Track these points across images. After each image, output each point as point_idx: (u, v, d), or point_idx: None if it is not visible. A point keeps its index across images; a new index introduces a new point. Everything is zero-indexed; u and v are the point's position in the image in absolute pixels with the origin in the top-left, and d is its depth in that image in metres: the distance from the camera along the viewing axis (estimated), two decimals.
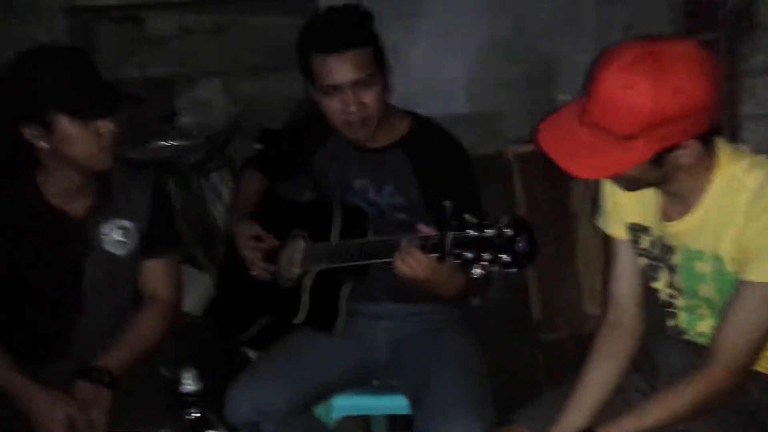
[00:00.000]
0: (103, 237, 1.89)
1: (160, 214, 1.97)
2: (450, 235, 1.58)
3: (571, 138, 1.45)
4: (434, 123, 2.06)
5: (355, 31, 1.86)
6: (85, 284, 1.90)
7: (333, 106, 1.88)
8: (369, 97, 1.87)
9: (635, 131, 1.37)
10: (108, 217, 1.90)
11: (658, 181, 1.51)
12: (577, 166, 1.45)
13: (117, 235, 1.91)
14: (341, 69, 1.83)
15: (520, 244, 1.52)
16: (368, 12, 1.92)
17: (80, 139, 1.74)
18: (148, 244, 1.95)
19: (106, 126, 1.76)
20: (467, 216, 1.57)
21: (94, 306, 1.92)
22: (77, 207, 1.87)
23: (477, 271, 1.53)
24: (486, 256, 1.52)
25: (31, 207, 1.84)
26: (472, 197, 1.97)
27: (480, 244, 1.53)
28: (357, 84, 1.84)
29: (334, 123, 1.94)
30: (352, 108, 1.86)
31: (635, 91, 1.35)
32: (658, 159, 1.42)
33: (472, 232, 1.55)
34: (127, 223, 1.92)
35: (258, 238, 2.08)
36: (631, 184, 1.53)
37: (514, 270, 1.53)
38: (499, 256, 1.52)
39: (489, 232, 1.53)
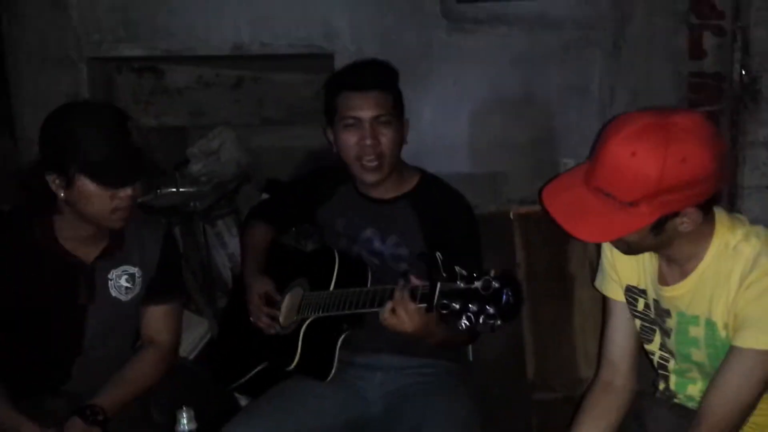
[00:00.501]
0: (110, 282, 1.94)
1: (169, 262, 2.01)
2: (439, 285, 1.61)
3: (575, 201, 1.48)
4: (441, 180, 2.14)
5: (382, 76, 2.02)
6: (88, 327, 1.93)
7: (350, 139, 1.99)
8: (385, 136, 1.98)
9: (639, 198, 1.40)
10: (117, 263, 1.94)
11: (656, 246, 1.53)
12: (580, 230, 1.48)
13: (124, 281, 1.95)
14: (364, 105, 1.97)
15: (506, 297, 1.54)
16: (395, 67, 2.08)
17: (97, 199, 1.79)
18: (154, 291, 1.99)
19: (124, 192, 1.80)
20: (457, 268, 1.60)
21: (94, 347, 1.95)
22: (88, 252, 1.91)
23: (464, 323, 1.56)
24: (472, 307, 1.55)
25: (44, 248, 1.89)
26: (473, 252, 2.01)
27: (467, 296, 1.57)
28: (376, 120, 1.97)
29: (348, 159, 2.02)
30: (368, 141, 1.97)
31: (642, 159, 1.38)
32: (659, 225, 1.45)
33: (461, 284, 1.58)
34: (135, 270, 1.96)
35: (268, 298, 2.12)
36: (631, 248, 1.55)
37: (499, 322, 1.55)
38: (486, 307, 1.54)
39: (477, 284, 1.56)
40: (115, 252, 1.93)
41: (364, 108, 1.97)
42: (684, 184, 1.39)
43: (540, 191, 1.56)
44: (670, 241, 1.51)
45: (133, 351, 2.04)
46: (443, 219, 2.03)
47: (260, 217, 2.33)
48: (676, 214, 1.44)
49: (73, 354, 1.94)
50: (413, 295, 1.71)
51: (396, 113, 2.02)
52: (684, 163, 1.38)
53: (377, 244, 2.07)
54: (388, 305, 1.74)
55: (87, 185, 1.77)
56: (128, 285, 1.95)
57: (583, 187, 1.48)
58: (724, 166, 1.46)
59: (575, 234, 1.48)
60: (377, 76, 2.01)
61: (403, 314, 1.72)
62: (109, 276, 1.93)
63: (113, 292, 1.94)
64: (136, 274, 1.96)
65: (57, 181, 1.79)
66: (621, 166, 1.40)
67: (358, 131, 1.98)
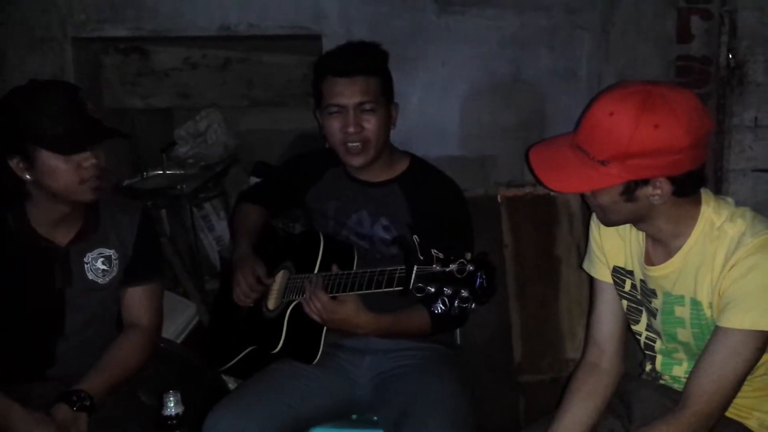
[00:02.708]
0: (86, 265, 1.92)
1: (146, 242, 1.99)
2: (415, 269, 1.62)
3: (555, 156, 1.53)
4: (430, 164, 2.14)
5: (368, 61, 1.99)
6: (67, 311, 1.92)
7: (334, 125, 1.98)
8: (369, 122, 1.97)
9: (609, 157, 1.43)
10: (93, 246, 1.93)
11: (633, 216, 1.55)
12: (550, 179, 1.53)
13: (100, 264, 1.94)
14: (348, 91, 1.96)
15: (479, 280, 1.55)
16: (384, 50, 2.05)
17: (61, 172, 1.78)
18: (132, 273, 1.97)
19: (87, 159, 1.79)
20: (434, 251, 1.62)
21: (75, 331, 1.94)
22: (63, 236, 1.90)
23: (439, 306, 1.57)
24: (447, 291, 1.57)
25: (17, 235, 1.87)
26: (463, 235, 2.02)
27: (442, 279, 1.58)
28: (360, 107, 1.95)
29: (333, 143, 2.02)
30: (351, 129, 1.96)
31: (617, 118, 1.42)
32: (629, 191, 1.48)
33: (436, 267, 1.59)
34: (110, 252, 1.95)
35: (257, 279, 2.10)
36: (607, 215, 1.57)
37: (473, 305, 1.56)
38: (460, 291, 1.56)
39: (452, 267, 1.57)
40: (89, 234, 1.92)
41: (347, 95, 1.96)
42: (653, 151, 1.41)
43: (528, 149, 1.61)
44: (646, 213, 1.52)
45: (118, 333, 2.02)
46: (433, 203, 2.03)
47: (252, 199, 2.33)
48: (646, 182, 1.46)
49: (54, 338, 1.93)
50: (390, 279, 1.74)
51: (382, 99, 2.00)
52: (656, 129, 1.40)
53: (366, 228, 2.07)
54: (305, 298, 1.86)
55: (48, 159, 1.76)
56: (105, 267, 1.94)
57: (566, 145, 1.53)
58: (705, 144, 1.48)
59: (545, 182, 1.53)
60: (362, 62, 1.98)
61: (318, 306, 1.82)
62: (85, 259, 1.92)
63: (90, 275, 1.93)
64: (112, 257, 1.95)
65: (20, 165, 1.78)
66: (598, 124, 1.44)
67: (342, 118, 1.97)
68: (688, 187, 1.50)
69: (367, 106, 1.96)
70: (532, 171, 1.56)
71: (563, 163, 1.51)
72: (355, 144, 1.98)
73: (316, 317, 1.89)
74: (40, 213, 1.87)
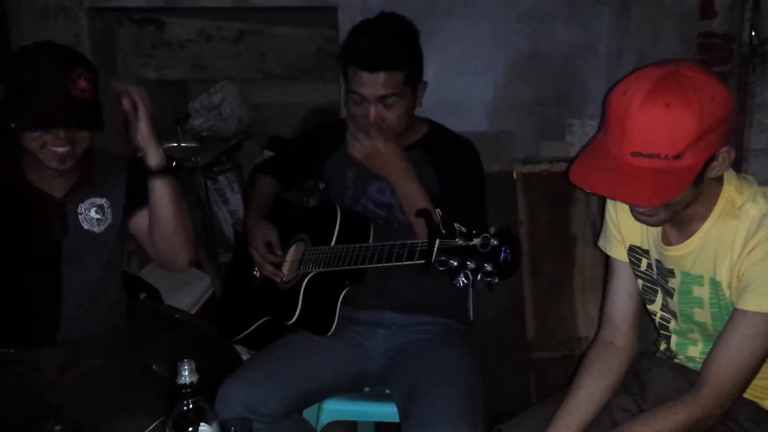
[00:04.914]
0: (80, 216, 1.93)
1: (138, 174, 1.95)
2: (437, 242, 1.61)
3: (612, 172, 1.42)
4: (449, 129, 2.15)
5: (393, 55, 1.94)
6: (64, 261, 1.92)
7: (356, 111, 1.99)
8: (390, 115, 1.96)
9: (684, 147, 1.37)
10: (84, 197, 1.93)
11: (688, 205, 1.48)
12: (635, 197, 1.43)
13: (93, 213, 1.94)
14: (369, 85, 1.93)
15: (504, 255, 1.54)
16: (412, 31, 2.00)
17: (26, 141, 1.78)
18: (135, 198, 1.96)
19: (55, 140, 1.77)
20: (456, 225, 1.60)
21: (75, 287, 1.93)
22: (57, 188, 1.91)
23: (461, 280, 1.56)
24: (470, 264, 1.55)
25: (11, 186, 1.88)
26: (479, 198, 2.02)
27: (465, 253, 1.57)
28: (381, 100, 1.94)
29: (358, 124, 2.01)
30: (372, 119, 1.96)
31: (677, 107, 1.36)
32: (700, 175, 1.42)
33: (459, 241, 1.58)
34: (102, 201, 1.95)
35: (269, 245, 2.11)
36: (670, 210, 1.47)
37: (497, 280, 1.55)
38: (484, 265, 1.54)
39: (475, 241, 1.56)
40: (83, 187, 1.93)
41: (369, 87, 1.93)
42: (720, 121, 1.38)
43: (566, 175, 1.50)
44: (699, 194, 1.47)
45: (124, 295, 2.04)
46: (455, 163, 2.03)
47: (266, 171, 2.32)
48: (712, 159, 1.42)
49: (56, 296, 1.92)
50: (412, 251, 1.72)
51: (407, 88, 1.97)
52: (713, 100, 1.36)
53: (386, 195, 2.06)
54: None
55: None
56: (98, 216, 1.94)
57: (612, 160, 1.42)
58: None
59: (633, 201, 1.43)
60: (386, 57, 1.92)
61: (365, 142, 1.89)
62: (78, 210, 1.92)
63: (86, 225, 1.93)
64: (105, 205, 1.95)
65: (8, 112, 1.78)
66: (658, 121, 1.36)
67: (364, 107, 1.96)
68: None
69: (390, 100, 1.95)
70: (598, 194, 1.47)
71: (631, 174, 1.40)
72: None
73: (363, 144, 1.92)
74: (34, 165, 1.86)
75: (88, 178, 1.93)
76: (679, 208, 1.49)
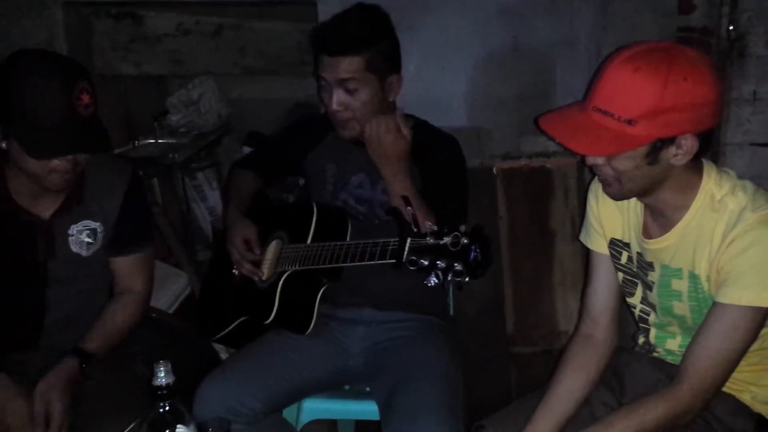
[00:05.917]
0: (70, 238, 1.88)
1: (133, 211, 1.93)
2: (408, 241, 1.60)
3: (573, 122, 1.47)
4: (432, 125, 2.15)
5: (352, 39, 1.94)
6: (50, 283, 1.89)
7: (324, 96, 2.01)
8: (352, 102, 1.96)
9: (638, 115, 1.38)
10: (77, 218, 1.88)
11: (648, 184, 1.50)
12: (577, 144, 1.46)
13: (85, 237, 1.89)
14: (329, 68, 1.95)
15: (474, 254, 1.53)
16: (379, 19, 2.00)
17: (29, 163, 1.70)
18: (120, 243, 1.93)
19: (64, 165, 1.70)
20: (428, 224, 1.61)
21: (59, 303, 1.91)
22: (44, 208, 1.84)
23: (432, 279, 1.56)
24: (441, 264, 1.55)
25: None
26: (460, 195, 2.02)
27: (436, 252, 1.56)
28: (341, 84, 1.94)
29: (327, 112, 2.03)
30: (333, 106, 1.96)
31: (644, 73, 1.37)
32: (655, 152, 1.43)
33: (430, 240, 1.57)
34: (96, 225, 1.90)
35: (248, 243, 2.09)
36: (624, 183, 1.49)
37: (467, 279, 1.55)
38: (454, 264, 1.54)
39: (446, 240, 1.55)
40: (73, 206, 1.86)
41: (330, 71, 1.95)
42: (684, 104, 1.38)
43: (536, 120, 1.55)
44: (661, 179, 1.48)
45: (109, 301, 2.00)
46: (438, 160, 2.03)
47: (247, 166, 2.30)
48: (671, 142, 1.42)
49: (39, 310, 1.90)
50: (383, 251, 1.73)
51: (370, 74, 1.96)
52: (686, 81, 1.37)
53: (367, 191, 2.06)
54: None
55: (17, 147, 1.68)
56: (89, 240, 1.90)
57: (581, 110, 1.47)
58: (722, 102, 1.45)
59: (572, 148, 1.47)
60: (346, 41, 1.94)
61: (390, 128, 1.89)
62: (69, 232, 1.87)
63: (74, 248, 1.88)
64: (98, 229, 1.90)
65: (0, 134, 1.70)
66: (623, 82, 1.39)
67: (328, 92, 1.98)
68: (706, 146, 1.47)
69: (350, 85, 1.95)
70: (551, 138, 1.50)
71: (585, 127, 1.45)
72: (341, 117, 1.98)
73: (378, 129, 1.93)
74: (20, 184, 1.80)
75: (78, 197, 1.86)
76: (636, 186, 1.50)
